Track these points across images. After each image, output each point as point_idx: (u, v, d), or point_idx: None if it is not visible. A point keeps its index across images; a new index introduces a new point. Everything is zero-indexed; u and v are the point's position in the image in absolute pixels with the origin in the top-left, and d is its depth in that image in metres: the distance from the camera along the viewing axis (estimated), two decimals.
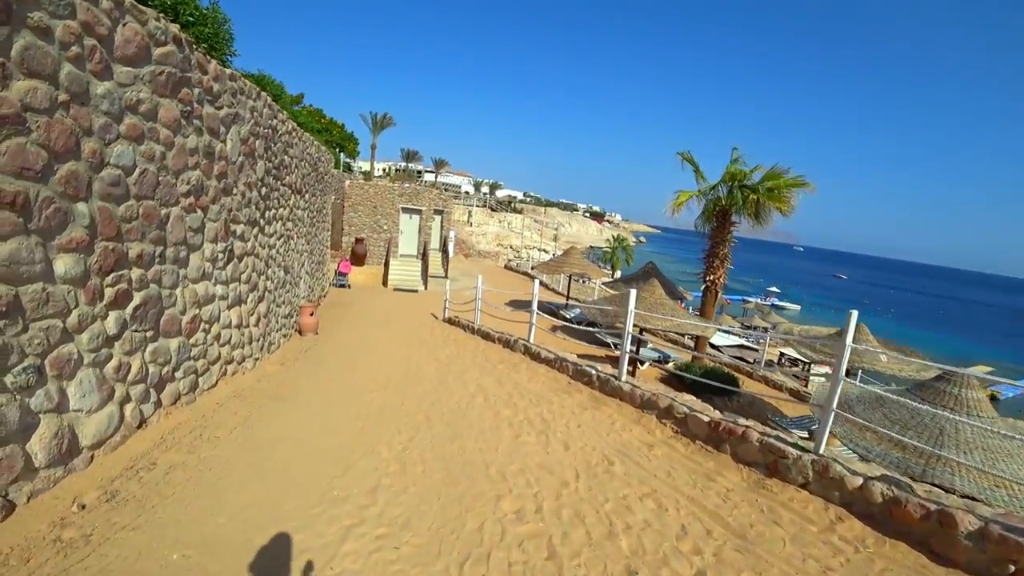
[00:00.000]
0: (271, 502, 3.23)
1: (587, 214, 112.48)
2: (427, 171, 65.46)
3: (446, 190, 21.09)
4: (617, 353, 14.44)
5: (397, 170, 52.85)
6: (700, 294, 14.27)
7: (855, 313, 3.61)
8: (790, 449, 3.85)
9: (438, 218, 22.60)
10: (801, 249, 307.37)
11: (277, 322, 7.64)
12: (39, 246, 2.78)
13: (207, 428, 4.20)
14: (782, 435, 4.13)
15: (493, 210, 46.46)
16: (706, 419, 4.52)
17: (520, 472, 3.95)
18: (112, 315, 3.42)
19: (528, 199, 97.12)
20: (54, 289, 2.90)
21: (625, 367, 5.96)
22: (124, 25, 3.37)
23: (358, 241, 18.78)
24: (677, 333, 13.88)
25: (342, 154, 26.21)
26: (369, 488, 3.55)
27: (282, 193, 7.51)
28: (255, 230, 6.09)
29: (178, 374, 4.33)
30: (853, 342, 3.72)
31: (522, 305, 15.99)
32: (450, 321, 11.74)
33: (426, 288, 18.19)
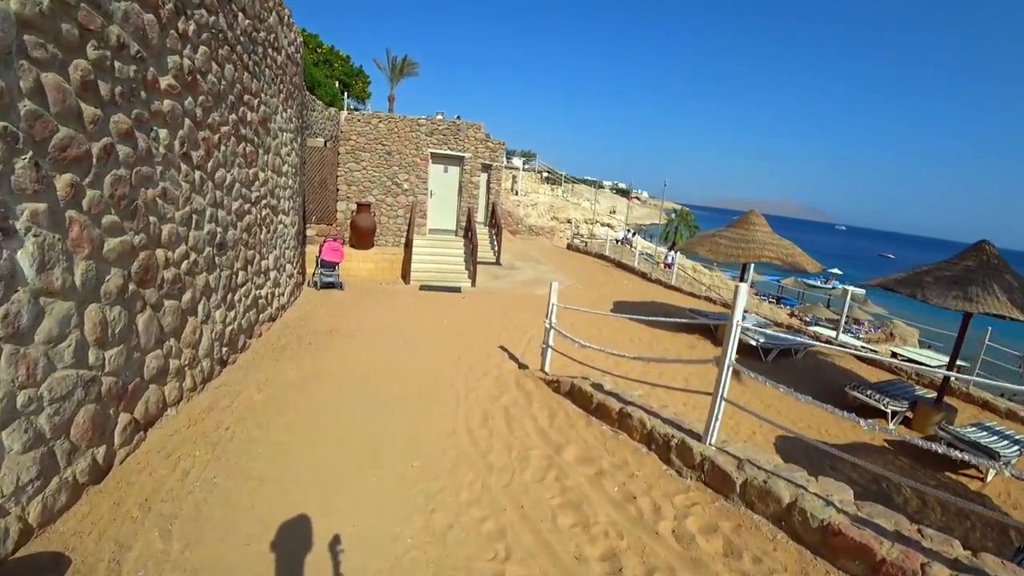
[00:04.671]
0: None
1: (613, 191, 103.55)
2: None
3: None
4: (895, 434, 5.93)
5: None
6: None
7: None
8: None
9: (484, 176, 15.25)
10: (843, 228, 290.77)
11: None
12: None
13: None
14: None
15: (548, 179, 38.74)
16: None
17: None
18: None
19: (554, 175, 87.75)
20: None
21: None
22: None
23: (361, 208, 11.64)
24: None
25: (346, 95, 19.08)
26: None
27: None
28: None
29: None
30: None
31: (633, 311, 8.60)
32: (571, 393, 4.51)
33: (474, 285, 10.99)
